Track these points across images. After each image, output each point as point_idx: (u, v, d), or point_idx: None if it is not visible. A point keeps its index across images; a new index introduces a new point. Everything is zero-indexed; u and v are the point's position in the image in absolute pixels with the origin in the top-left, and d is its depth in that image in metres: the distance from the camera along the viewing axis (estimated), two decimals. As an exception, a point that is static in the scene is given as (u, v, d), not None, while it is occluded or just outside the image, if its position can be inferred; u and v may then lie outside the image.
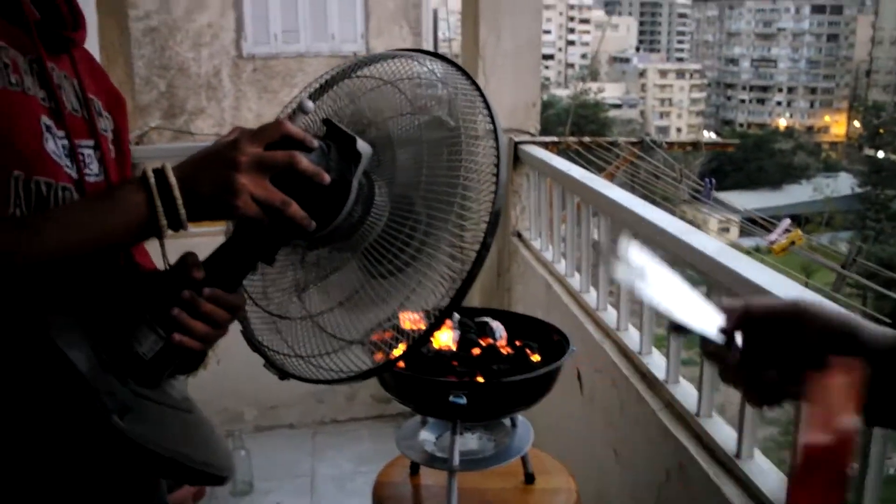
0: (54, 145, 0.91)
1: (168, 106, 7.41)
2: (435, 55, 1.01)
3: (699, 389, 1.73)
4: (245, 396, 3.63)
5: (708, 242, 1.71)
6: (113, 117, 1.06)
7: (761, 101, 54.61)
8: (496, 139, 0.95)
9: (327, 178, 0.86)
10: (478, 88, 0.96)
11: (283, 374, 1.05)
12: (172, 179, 0.83)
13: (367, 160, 0.90)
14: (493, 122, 0.95)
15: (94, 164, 0.98)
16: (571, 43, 58.64)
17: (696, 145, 3.89)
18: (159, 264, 1.02)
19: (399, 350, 1.48)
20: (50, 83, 0.93)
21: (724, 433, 1.65)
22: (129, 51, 5.46)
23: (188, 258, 0.90)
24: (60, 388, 0.82)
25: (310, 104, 0.94)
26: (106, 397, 0.81)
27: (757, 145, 33.86)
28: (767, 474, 1.50)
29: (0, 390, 0.87)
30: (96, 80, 1.06)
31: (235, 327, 1.08)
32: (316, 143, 0.87)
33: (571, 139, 3.28)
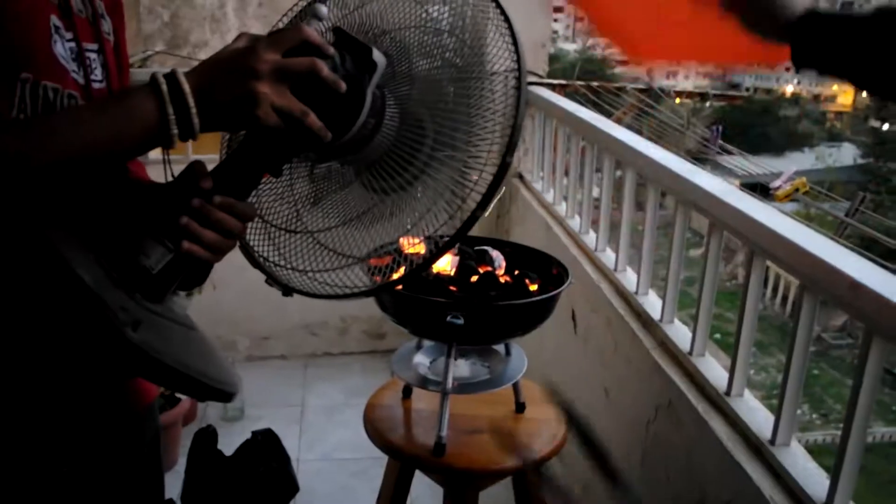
0: (62, 48, 0.88)
1: (171, 36, 7.28)
2: None
3: (693, 329, 1.74)
4: (238, 326, 3.65)
5: (714, 182, 1.70)
6: (113, 21, 1.02)
7: (769, 65, 53.93)
8: (517, 53, 0.91)
9: (344, 86, 0.83)
10: (503, 13, 0.93)
11: (287, 290, 1.03)
12: (186, 87, 0.79)
13: (381, 71, 0.87)
14: (516, 46, 0.91)
15: (98, 70, 0.95)
16: (582, -3, 57.59)
17: (703, 96, 3.86)
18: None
19: (399, 272, 1.48)
20: None
21: (715, 372, 1.66)
22: (132, -27, 5.37)
23: (196, 167, 0.87)
24: (68, 304, 0.80)
25: (323, 9, 0.90)
26: (118, 311, 0.79)
27: (763, 110, 33.50)
28: (756, 412, 1.52)
29: (5, 306, 0.85)
30: None
31: (231, 255, 1.06)
32: (332, 50, 0.84)
33: (579, 83, 3.24)
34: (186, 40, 6.98)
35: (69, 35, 0.89)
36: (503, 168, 0.89)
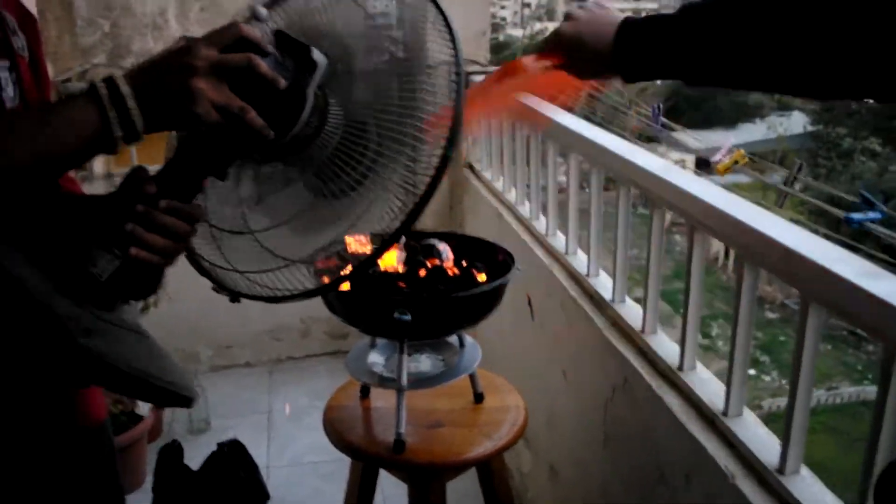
0: None
1: (113, 47, 7.17)
2: None
3: (644, 307, 1.75)
4: (200, 336, 3.61)
5: (652, 161, 1.72)
6: (26, 37, 1.00)
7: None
8: (455, 49, 0.93)
9: (283, 82, 0.83)
10: (440, 9, 0.94)
11: (235, 295, 1.02)
12: (125, 89, 0.78)
13: (322, 69, 0.87)
14: (452, 40, 0.93)
15: (10, 87, 0.92)
16: (528, -17, 57.87)
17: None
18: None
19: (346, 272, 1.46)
20: None
21: (667, 347, 1.68)
22: (65, -14, 5.28)
23: (138, 173, 0.86)
24: (18, 319, 0.79)
25: (263, 11, 0.90)
26: (67, 320, 0.79)
27: (712, 85, 33.91)
28: (708, 383, 1.54)
29: None
30: None
31: (187, 271, 1.05)
32: (271, 48, 0.84)
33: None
34: (129, 50, 6.85)
35: None
36: (444, 161, 0.90)
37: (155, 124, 0.80)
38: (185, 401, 0.92)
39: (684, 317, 1.59)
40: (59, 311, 0.79)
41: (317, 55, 0.86)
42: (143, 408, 2.79)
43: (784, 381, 14.89)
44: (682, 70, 0.93)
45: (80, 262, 0.83)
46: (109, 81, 0.78)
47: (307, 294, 0.99)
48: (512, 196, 2.73)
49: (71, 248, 0.84)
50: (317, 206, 0.98)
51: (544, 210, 2.46)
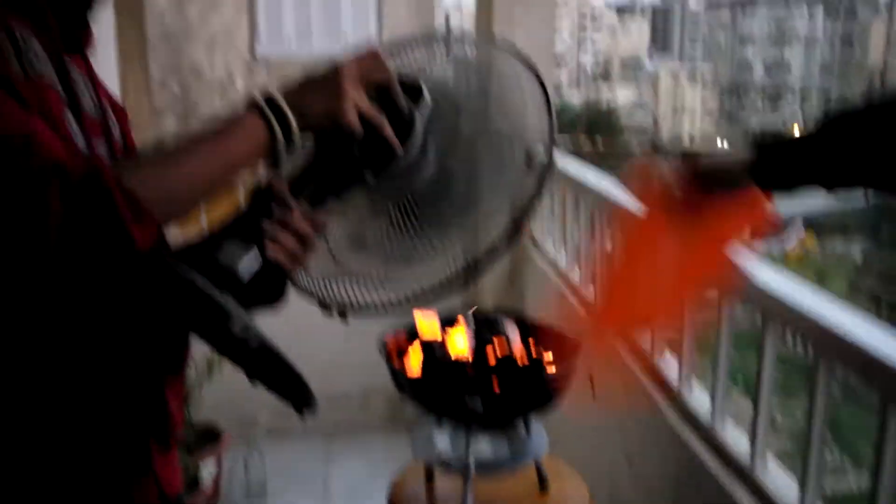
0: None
1: (182, 109, 7.43)
2: (518, 55, 1.02)
3: (712, 397, 1.73)
4: (259, 400, 3.62)
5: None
6: (119, 125, 1.05)
7: (773, 102, 54.29)
8: (550, 123, 0.97)
9: (406, 108, 0.90)
10: (545, 94, 0.98)
11: (343, 311, 1.02)
12: (281, 100, 0.85)
13: (429, 106, 0.93)
14: (548, 108, 0.97)
15: None
16: (584, 47, 58.55)
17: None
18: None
19: (414, 345, 1.48)
20: (68, 80, 0.91)
21: (736, 440, 1.65)
22: (145, 52, 5.52)
23: (273, 181, 0.90)
24: (192, 314, 0.82)
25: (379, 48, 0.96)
26: (237, 316, 0.80)
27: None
28: (780, 481, 1.51)
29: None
30: (100, 86, 1.04)
31: None
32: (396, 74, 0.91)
33: (586, 146, 3.28)
34: (196, 111, 7.09)
35: (78, 131, 0.91)
36: (518, 227, 0.93)
37: (307, 129, 0.87)
38: (311, 400, 0.89)
39: (756, 409, 1.57)
40: (229, 307, 0.80)
41: (426, 93, 0.93)
42: (206, 476, 2.83)
43: (844, 462, 14.29)
44: (824, 177, 0.96)
45: (223, 265, 0.85)
46: (265, 94, 0.85)
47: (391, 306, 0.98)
48: (575, 275, 2.73)
49: (213, 250, 0.86)
50: (387, 236, 1.00)
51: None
